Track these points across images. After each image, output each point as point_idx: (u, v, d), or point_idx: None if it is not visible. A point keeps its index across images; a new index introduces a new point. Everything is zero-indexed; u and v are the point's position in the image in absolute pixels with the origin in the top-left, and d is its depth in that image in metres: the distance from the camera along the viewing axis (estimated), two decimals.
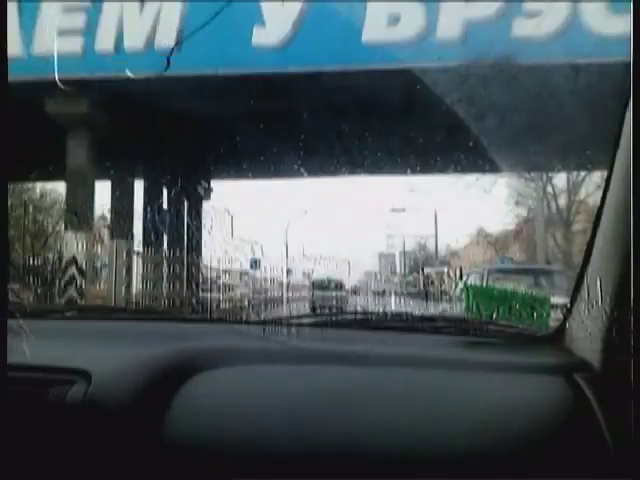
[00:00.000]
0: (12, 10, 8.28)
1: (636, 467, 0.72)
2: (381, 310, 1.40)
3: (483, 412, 0.85)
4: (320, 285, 21.66)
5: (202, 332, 1.22)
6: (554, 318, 1.10)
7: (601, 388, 0.83)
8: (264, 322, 1.36)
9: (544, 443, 0.80)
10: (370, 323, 1.30)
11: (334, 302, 18.54)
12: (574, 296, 0.97)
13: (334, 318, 1.41)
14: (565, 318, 1.00)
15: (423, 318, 1.38)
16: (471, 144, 6.96)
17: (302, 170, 8.45)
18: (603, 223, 0.86)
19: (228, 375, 0.91)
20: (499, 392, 0.89)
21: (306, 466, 0.79)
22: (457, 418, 0.84)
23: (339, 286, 21.73)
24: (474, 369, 0.95)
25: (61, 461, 0.78)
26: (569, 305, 0.98)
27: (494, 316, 1.25)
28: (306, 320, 1.39)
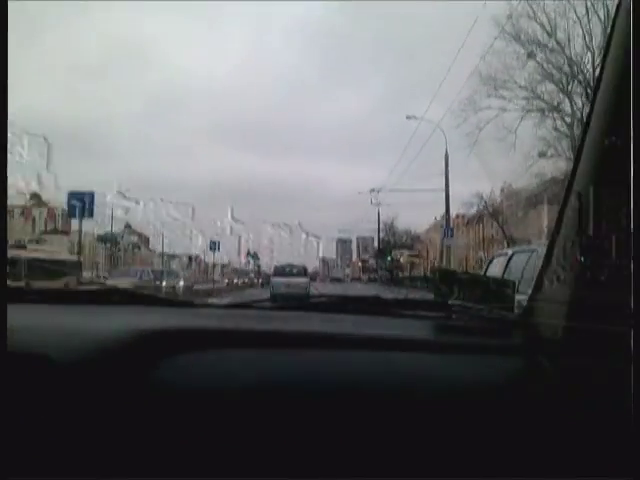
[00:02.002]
0: None
1: (600, 439, 0.80)
2: (347, 293, 1.45)
3: (451, 394, 0.88)
4: (282, 271, 21.44)
5: (168, 314, 1.22)
6: (521, 301, 1.14)
7: (566, 368, 0.89)
8: (228, 305, 1.40)
9: (511, 424, 0.85)
10: (338, 306, 1.34)
11: (297, 290, 18.45)
12: (539, 279, 1.02)
13: (303, 302, 1.45)
14: (530, 302, 1.05)
15: (391, 301, 1.42)
16: None
17: None
18: (568, 210, 0.91)
19: (197, 359, 0.91)
20: (466, 374, 0.93)
21: (287, 455, 0.80)
22: (425, 401, 0.87)
23: (301, 272, 21.59)
24: (441, 351, 0.99)
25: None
26: (535, 288, 1.03)
27: (462, 299, 1.30)
28: (272, 303, 1.41)
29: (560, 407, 0.86)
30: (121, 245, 66.93)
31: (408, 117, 27.82)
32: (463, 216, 50.90)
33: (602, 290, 0.84)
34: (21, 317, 0.98)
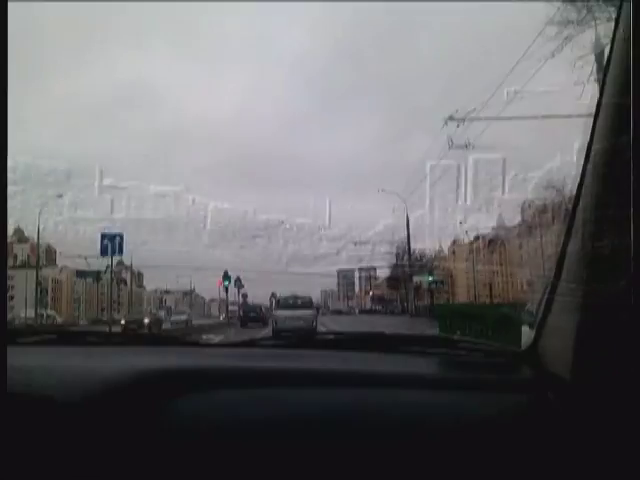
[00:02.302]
0: None
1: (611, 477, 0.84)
2: (352, 330, 1.51)
3: (457, 431, 0.93)
4: (285, 304, 21.03)
5: (171, 355, 1.29)
6: (527, 335, 1.17)
7: (574, 404, 0.92)
8: (239, 344, 1.47)
9: (519, 460, 0.89)
10: (343, 343, 1.41)
11: (302, 324, 17.89)
12: (545, 313, 1.05)
13: (307, 339, 1.54)
14: (536, 336, 1.09)
15: (396, 338, 1.49)
16: None
17: None
18: (572, 239, 0.94)
19: (200, 399, 0.98)
20: (471, 412, 0.98)
21: None
22: (432, 437, 0.93)
23: (307, 304, 21.08)
24: (445, 389, 1.04)
25: None
26: (540, 322, 1.07)
27: (467, 334, 1.37)
28: (278, 342, 1.49)
29: (569, 445, 0.89)
30: (104, 281, 66.88)
31: (380, 190, 35.77)
32: (483, 237, 50.82)
33: (614, 318, 0.87)
34: (24, 359, 1.05)
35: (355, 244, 39.32)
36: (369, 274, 74.05)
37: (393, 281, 58.98)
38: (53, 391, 0.91)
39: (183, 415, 0.95)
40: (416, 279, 52.77)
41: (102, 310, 59.24)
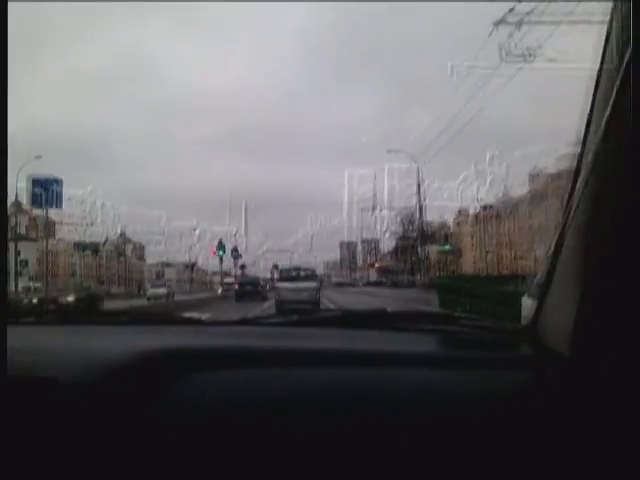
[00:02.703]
0: None
1: (609, 456, 0.86)
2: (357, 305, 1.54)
3: (456, 410, 0.97)
4: (288, 276, 21.07)
5: (175, 334, 1.33)
6: (529, 310, 1.19)
7: (572, 380, 0.94)
8: (234, 322, 1.50)
9: (518, 438, 0.92)
10: (345, 321, 1.43)
11: (306, 296, 17.92)
12: (544, 290, 1.07)
13: (308, 316, 1.56)
14: (537, 312, 1.11)
15: (397, 315, 1.51)
16: None
17: None
18: (572, 219, 0.95)
19: (203, 379, 1.01)
20: (471, 389, 1.00)
21: (297, 472, 0.91)
22: (432, 416, 0.96)
23: (310, 276, 21.13)
24: (447, 367, 1.07)
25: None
26: (541, 297, 1.09)
27: (467, 310, 1.41)
28: (278, 319, 1.52)
29: (566, 423, 0.92)
30: (103, 253, 67.37)
31: (389, 151, 33.83)
32: (491, 207, 50.48)
33: (614, 294, 0.88)
34: (25, 339, 1.08)
35: (362, 210, 39.09)
36: (373, 245, 73.95)
37: (400, 252, 58.48)
38: (54, 373, 0.93)
39: (184, 396, 0.97)
40: (426, 249, 51.84)
41: (102, 283, 59.75)
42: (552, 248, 1.03)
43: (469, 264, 55.49)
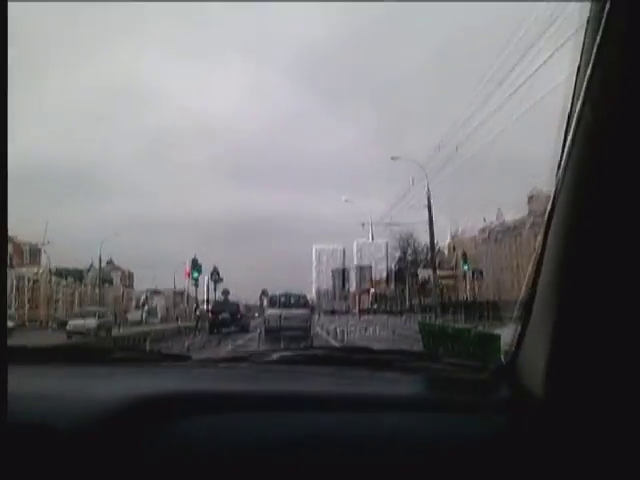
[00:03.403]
0: None
1: None
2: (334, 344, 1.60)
3: (436, 453, 1.02)
4: (278, 302, 20.55)
5: (165, 375, 1.39)
6: (505, 353, 1.23)
7: (546, 424, 0.98)
8: (225, 360, 1.56)
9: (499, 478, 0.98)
10: (329, 359, 1.50)
11: (296, 323, 17.50)
12: (524, 325, 1.11)
13: (289, 355, 1.59)
14: (515, 351, 1.15)
15: (382, 353, 1.60)
16: None
17: None
18: (549, 245, 0.97)
19: (195, 423, 1.06)
20: (451, 432, 1.06)
21: None
22: (411, 459, 1.01)
23: (301, 303, 20.70)
24: (428, 410, 1.13)
25: None
26: (520, 335, 1.13)
27: (447, 352, 1.49)
28: (263, 358, 1.55)
29: (540, 468, 0.96)
30: (87, 281, 66.92)
31: (393, 158, 32.32)
32: (491, 230, 50.21)
33: (592, 336, 0.90)
34: (17, 381, 1.10)
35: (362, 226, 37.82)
36: (367, 272, 73.58)
37: (397, 277, 58.00)
38: (49, 420, 0.99)
39: (175, 441, 1.02)
40: (423, 273, 49.85)
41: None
42: (529, 284, 1.06)
43: (468, 288, 55.01)
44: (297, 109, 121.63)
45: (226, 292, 36.87)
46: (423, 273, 49.74)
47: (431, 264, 37.98)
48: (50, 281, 61.67)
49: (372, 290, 69.77)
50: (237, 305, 27.04)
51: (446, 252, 58.41)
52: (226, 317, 24.01)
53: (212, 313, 25.62)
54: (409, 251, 54.57)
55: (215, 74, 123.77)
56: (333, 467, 1.00)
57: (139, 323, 33.24)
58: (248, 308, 29.43)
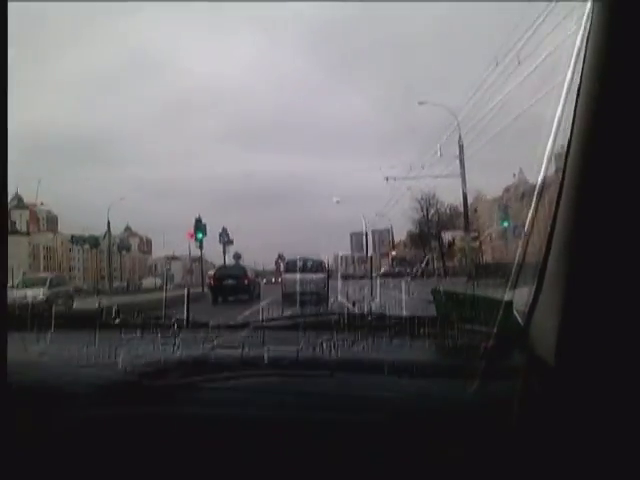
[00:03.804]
0: None
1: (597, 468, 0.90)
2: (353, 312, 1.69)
3: (446, 417, 1.06)
4: (294, 267, 20.84)
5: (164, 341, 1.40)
6: (517, 321, 1.24)
7: (559, 391, 0.98)
8: (239, 326, 1.59)
9: (508, 444, 1.00)
10: (345, 324, 1.53)
11: (313, 288, 17.88)
12: (535, 298, 1.12)
13: (305, 320, 1.65)
14: (528, 318, 1.16)
15: (394, 319, 1.62)
16: None
17: None
18: (558, 227, 0.99)
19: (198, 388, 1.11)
20: (462, 397, 1.09)
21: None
22: (420, 423, 1.06)
23: (318, 267, 21.07)
24: (435, 374, 1.17)
25: None
26: (532, 303, 1.14)
27: (459, 320, 1.48)
28: (278, 322, 1.63)
29: (552, 433, 0.97)
30: (103, 247, 67.93)
31: (420, 103, 30.90)
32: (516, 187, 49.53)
33: (602, 305, 0.91)
34: (19, 348, 1.16)
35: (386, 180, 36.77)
36: (382, 237, 73.08)
37: (419, 239, 57.59)
38: (52, 386, 1.06)
39: (179, 408, 1.08)
40: (449, 235, 49.20)
41: (102, 278, 60.34)
42: (542, 253, 1.07)
43: (495, 251, 54.47)
44: (311, 71, 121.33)
45: (237, 256, 34.33)
46: (447, 235, 49.21)
47: (464, 222, 35.54)
48: (68, 249, 62.87)
49: (394, 253, 69.66)
50: (244, 269, 23.41)
51: (469, 213, 57.50)
52: (231, 283, 20.66)
53: (214, 280, 21.74)
54: (432, 211, 53.54)
55: (222, 43, 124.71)
56: (345, 429, 1.04)
57: (152, 290, 32.73)
58: (258, 273, 26.86)
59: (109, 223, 47.02)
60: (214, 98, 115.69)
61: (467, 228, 33.85)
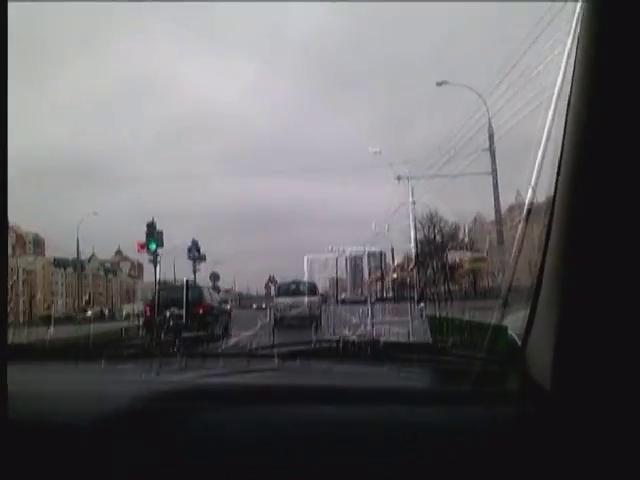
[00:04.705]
0: None
1: None
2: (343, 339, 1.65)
3: (442, 444, 1.06)
4: (287, 290, 21.04)
5: (172, 369, 1.43)
6: (512, 345, 1.26)
7: (555, 415, 1.00)
8: (233, 355, 1.62)
9: (505, 468, 1.02)
10: (337, 352, 1.54)
11: (305, 311, 17.89)
12: (530, 322, 1.14)
13: (299, 348, 1.63)
14: (524, 342, 1.18)
15: (391, 346, 1.63)
16: None
17: None
18: (551, 245, 1.00)
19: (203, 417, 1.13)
20: (458, 423, 1.10)
21: None
22: (415, 451, 1.06)
23: (311, 291, 21.18)
24: (437, 402, 1.18)
25: None
26: (527, 325, 1.15)
27: (454, 345, 1.50)
28: (272, 351, 1.60)
29: (547, 458, 0.99)
30: (88, 271, 67.84)
31: (438, 84, 27.22)
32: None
33: (598, 326, 0.92)
34: (22, 379, 1.17)
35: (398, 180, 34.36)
36: (377, 260, 72.78)
37: (420, 261, 57.59)
38: (50, 417, 1.07)
39: (178, 436, 1.09)
40: (453, 255, 47.66)
41: (87, 303, 60.16)
42: (535, 274, 1.08)
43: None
44: (306, 96, 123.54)
45: (215, 276, 28.97)
46: (453, 255, 48.43)
47: (497, 235, 27.33)
48: (50, 273, 62.69)
49: (394, 275, 69.39)
50: (199, 290, 16.42)
51: (475, 232, 57.10)
52: (175, 314, 13.73)
53: (149, 310, 15.68)
54: (435, 231, 53.03)
55: (221, 66, 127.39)
56: (340, 460, 1.05)
57: (129, 317, 30.99)
58: (240, 297, 24.75)
59: (78, 242, 45.81)
60: (209, 122, 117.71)
61: (501, 241, 26.61)
